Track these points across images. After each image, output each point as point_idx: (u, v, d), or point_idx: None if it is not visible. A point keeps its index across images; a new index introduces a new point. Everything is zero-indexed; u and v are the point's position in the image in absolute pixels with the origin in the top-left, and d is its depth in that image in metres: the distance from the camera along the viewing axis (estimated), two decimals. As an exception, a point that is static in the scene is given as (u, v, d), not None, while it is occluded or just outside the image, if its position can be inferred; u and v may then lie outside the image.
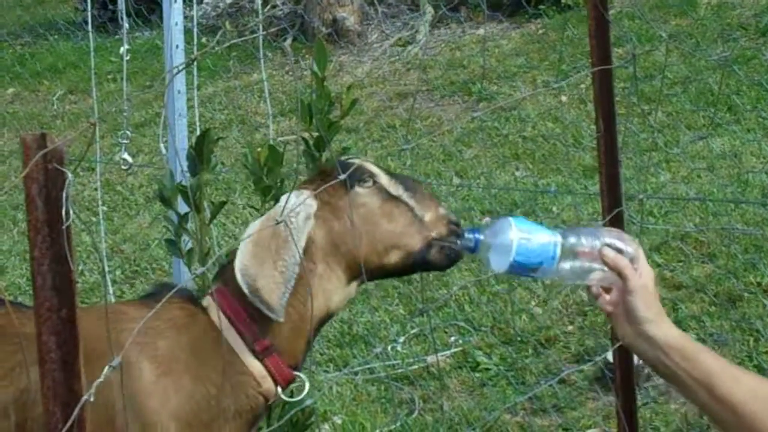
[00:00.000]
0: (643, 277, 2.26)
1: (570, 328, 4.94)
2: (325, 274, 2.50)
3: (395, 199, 2.51)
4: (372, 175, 2.52)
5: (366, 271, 2.50)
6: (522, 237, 2.32)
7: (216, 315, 2.48)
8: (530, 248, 2.31)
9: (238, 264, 2.39)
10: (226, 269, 2.52)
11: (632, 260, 2.27)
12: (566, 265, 2.32)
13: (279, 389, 2.52)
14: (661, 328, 2.20)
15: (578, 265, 2.32)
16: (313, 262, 2.48)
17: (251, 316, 2.47)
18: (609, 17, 3.20)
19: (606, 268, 2.27)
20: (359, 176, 2.50)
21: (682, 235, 5.42)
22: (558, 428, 4.29)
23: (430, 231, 2.50)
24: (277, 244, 2.40)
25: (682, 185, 6.00)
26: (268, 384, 2.50)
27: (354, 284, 2.54)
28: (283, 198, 2.46)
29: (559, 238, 2.31)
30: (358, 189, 2.50)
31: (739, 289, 4.92)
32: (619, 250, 2.28)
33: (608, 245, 2.29)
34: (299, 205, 2.44)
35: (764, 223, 5.50)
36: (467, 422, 4.34)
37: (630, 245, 2.30)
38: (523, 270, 2.33)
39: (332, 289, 2.51)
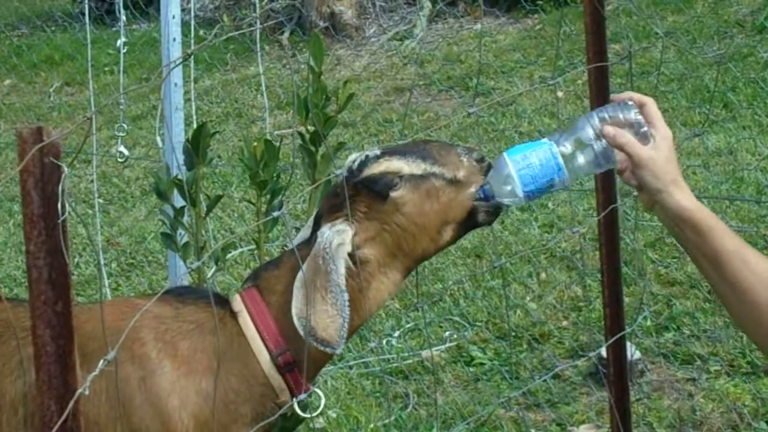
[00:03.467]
0: (656, 143, 2.21)
1: (564, 323, 4.95)
2: (381, 286, 2.47)
3: (425, 177, 2.44)
4: (396, 173, 2.45)
5: (423, 258, 2.50)
6: (520, 168, 2.32)
7: (243, 320, 2.47)
8: (533, 174, 2.31)
9: (294, 311, 2.37)
10: (263, 272, 2.50)
11: (639, 126, 2.24)
12: (577, 162, 2.30)
13: (294, 400, 2.52)
14: (674, 197, 2.16)
15: (588, 156, 2.30)
16: (369, 281, 2.44)
17: (280, 329, 2.46)
18: (605, 13, 3.20)
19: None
20: (388, 182, 2.43)
21: (677, 232, 5.42)
22: (552, 423, 4.30)
23: (469, 187, 2.45)
24: (321, 279, 2.37)
25: (677, 182, 5.99)
26: (285, 396, 2.50)
27: (405, 277, 2.53)
28: (320, 234, 2.42)
29: (554, 147, 2.31)
30: (393, 194, 2.44)
31: (733, 286, 4.92)
32: (625, 122, 2.25)
33: (609, 120, 2.26)
34: (334, 234, 2.40)
35: (759, 220, 5.51)
36: (461, 416, 4.34)
37: (634, 111, 2.27)
38: (540, 192, 2.33)
39: (386, 295, 2.50)
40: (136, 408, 2.40)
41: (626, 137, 2.22)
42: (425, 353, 4.83)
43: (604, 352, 3.64)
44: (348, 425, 4.31)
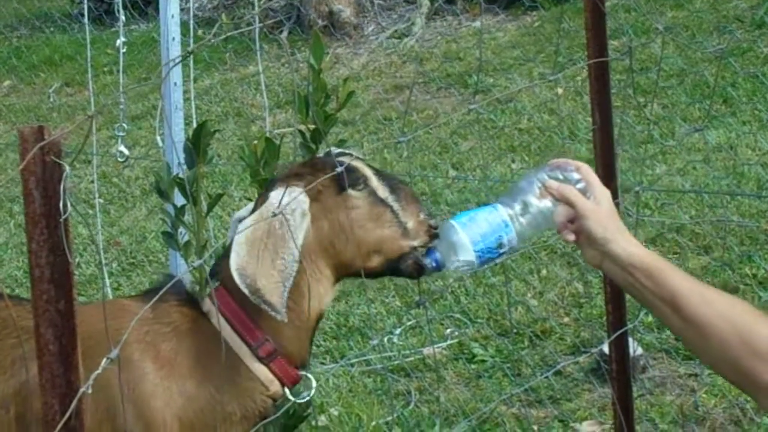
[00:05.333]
0: (597, 198, 2.24)
1: (566, 320, 4.95)
2: (315, 274, 2.47)
3: (383, 203, 2.49)
4: (365, 179, 2.50)
5: (347, 268, 2.50)
6: (468, 229, 2.34)
7: (217, 320, 2.46)
8: (482, 234, 2.33)
9: (233, 264, 2.35)
10: (221, 269, 2.49)
11: (577, 184, 2.27)
12: (523, 222, 2.32)
13: (286, 390, 2.52)
14: (621, 245, 2.16)
15: (535, 213, 2.32)
16: (302, 261, 2.44)
17: (253, 320, 2.46)
18: (605, 9, 3.20)
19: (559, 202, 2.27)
20: (354, 179, 2.48)
21: (678, 228, 5.42)
22: (554, 420, 4.29)
23: (412, 239, 2.49)
24: (274, 241, 2.37)
25: (677, 177, 6.00)
26: (275, 387, 2.50)
27: (338, 285, 2.54)
28: (275, 193, 2.45)
29: (500, 208, 2.33)
30: (351, 192, 2.47)
31: (734, 281, 4.92)
32: (564, 181, 2.28)
33: (551, 179, 2.29)
34: (292, 200, 2.42)
35: (760, 215, 5.50)
36: (463, 414, 4.34)
37: (573, 172, 2.30)
38: (491, 253, 2.35)
39: (323, 289, 2.50)
40: (120, 410, 2.39)
41: (570, 189, 2.25)
42: (427, 350, 4.83)
43: (605, 348, 3.64)
44: (350, 423, 4.31)
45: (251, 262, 2.36)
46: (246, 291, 2.35)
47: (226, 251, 2.50)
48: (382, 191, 2.50)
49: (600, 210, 2.21)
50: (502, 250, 2.35)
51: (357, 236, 2.47)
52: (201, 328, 2.49)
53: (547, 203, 2.29)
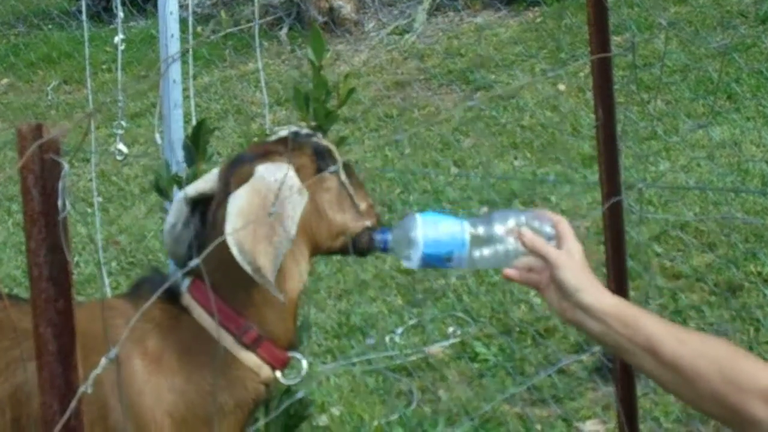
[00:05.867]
0: (569, 251, 2.23)
1: (569, 318, 4.92)
2: (297, 253, 2.47)
3: (344, 185, 2.54)
4: (335, 161, 2.54)
5: (317, 248, 2.52)
6: (427, 229, 2.32)
7: (198, 314, 2.46)
8: (437, 239, 2.32)
9: (233, 239, 2.31)
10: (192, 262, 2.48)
11: (554, 239, 2.26)
12: (482, 251, 2.31)
13: (277, 373, 2.51)
14: (594, 295, 2.15)
15: (496, 250, 2.31)
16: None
17: (234, 308, 2.45)
18: (608, 4, 3.17)
19: (525, 250, 2.25)
20: (329, 161, 2.52)
21: (682, 225, 5.40)
22: (557, 419, 4.27)
23: (365, 221, 2.54)
24: (272, 218, 2.36)
25: (681, 174, 5.98)
26: (266, 372, 2.50)
27: (311, 264, 2.56)
28: (263, 168, 2.42)
29: (466, 225, 2.32)
30: (326, 173, 2.51)
31: (739, 279, 4.90)
32: (539, 231, 2.27)
33: (526, 226, 2.28)
34: (286, 177, 2.40)
35: (764, 212, 5.49)
36: (466, 413, 4.32)
37: (548, 225, 2.29)
38: (436, 261, 2.34)
39: (303, 268, 2.50)
40: (111, 410, 2.38)
41: (542, 242, 2.24)
42: (429, 350, 4.82)
43: (610, 346, 3.61)
44: (351, 423, 4.29)
45: (251, 239, 2.33)
46: (248, 268, 2.32)
47: (199, 241, 2.50)
48: (344, 175, 2.55)
49: (572, 261, 2.21)
50: (449, 264, 2.35)
51: (328, 217, 2.50)
52: (182, 323, 2.48)
53: (517, 245, 2.28)
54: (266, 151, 2.51)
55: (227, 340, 2.45)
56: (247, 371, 2.48)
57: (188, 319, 2.48)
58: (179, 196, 2.63)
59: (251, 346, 2.46)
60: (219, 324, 2.44)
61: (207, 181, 2.58)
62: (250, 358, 2.47)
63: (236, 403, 2.49)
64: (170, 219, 2.61)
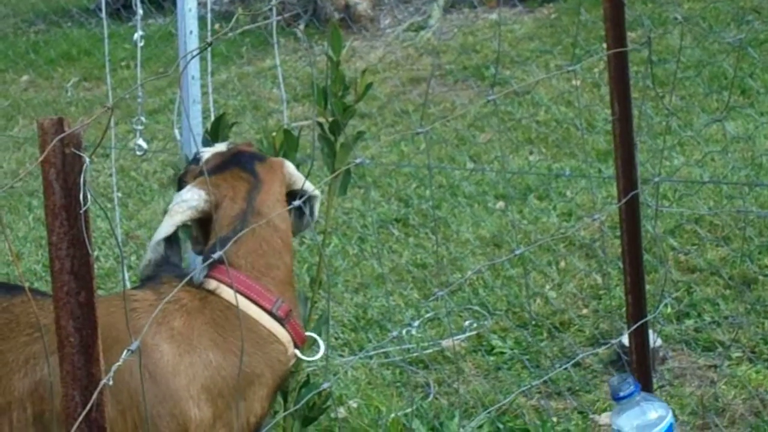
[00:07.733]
0: None
1: (585, 311, 4.94)
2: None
3: None
4: None
5: None
6: None
7: (229, 295, 2.52)
8: None
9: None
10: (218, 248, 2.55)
11: None
12: None
13: (297, 351, 2.59)
14: None
15: None
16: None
17: (264, 285, 2.55)
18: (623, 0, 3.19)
19: None
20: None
21: (697, 219, 5.40)
22: (573, 411, 4.29)
23: None
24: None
25: (696, 168, 5.98)
26: (291, 348, 2.57)
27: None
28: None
29: None
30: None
31: (753, 272, 4.91)
32: None
33: None
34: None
35: (778, 206, 5.49)
36: (482, 405, 4.34)
37: None
38: None
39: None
40: (143, 397, 2.40)
41: None
42: (445, 343, 4.83)
43: (625, 339, 3.63)
44: (369, 415, 4.31)
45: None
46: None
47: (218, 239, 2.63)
48: None
49: None
50: None
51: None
52: (210, 304, 2.56)
53: None
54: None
55: (262, 316, 2.53)
56: (280, 344, 2.56)
57: (215, 299, 2.55)
58: (157, 238, 2.78)
59: (284, 320, 2.56)
60: (251, 300, 2.54)
61: (184, 213, 2.70)
62: (282, 333, 2.57)
63: (272, 375, 2.56)
64: (148, 256, 2.72)
